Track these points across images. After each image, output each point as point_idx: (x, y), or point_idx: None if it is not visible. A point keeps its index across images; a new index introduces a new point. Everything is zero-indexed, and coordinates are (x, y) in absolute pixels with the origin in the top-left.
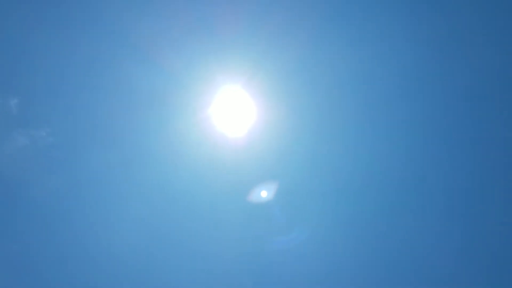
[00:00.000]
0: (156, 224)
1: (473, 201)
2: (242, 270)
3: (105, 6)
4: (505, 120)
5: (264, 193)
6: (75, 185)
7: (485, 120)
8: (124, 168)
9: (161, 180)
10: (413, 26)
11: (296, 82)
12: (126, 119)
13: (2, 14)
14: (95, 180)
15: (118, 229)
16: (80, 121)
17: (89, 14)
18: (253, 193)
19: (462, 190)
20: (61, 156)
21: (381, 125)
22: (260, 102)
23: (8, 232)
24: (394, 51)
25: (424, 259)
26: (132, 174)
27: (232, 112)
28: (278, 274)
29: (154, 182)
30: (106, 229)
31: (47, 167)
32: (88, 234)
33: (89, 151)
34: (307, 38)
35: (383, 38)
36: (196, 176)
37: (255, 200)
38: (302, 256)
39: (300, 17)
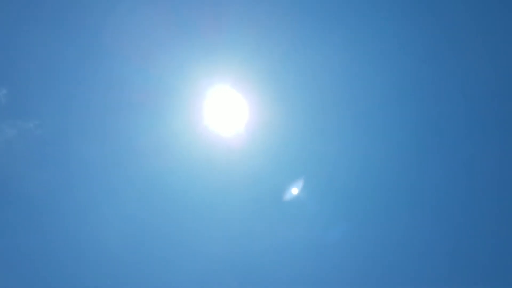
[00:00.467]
0: (146, 221)
1: (474, 202)
2: (234, 270)
3: (99, 3)
4: (505, 121)
5: (260, 193)
6: (63, 179)
7: (486, 121)
8: (114, 166)
9: (152, 175)
10: (405, 24)
11: (290, 82)
12: (117, 116)
13: None
14: (84, 175)
15: (107, 227)
16: (70, 115)
17: (83, 9)
18: (248, 193)
19: (463, 190)
20: (49, 150)
21: (376, 123)
22: (253, 101)
23: None
24: (390, 50)
25: (432, 260)
26: (122, 171)
27: (225, 112)
28: (275, 274)
29: (145, 178)
30: (94, 226)
31: (35, 160)
32: (75, 230)
33: (79, 146)
34: (300, 37)
35: (377, 37)
36: (188, 175)
37: (249, 200)
38: (297, 257)
39: (294, 16)
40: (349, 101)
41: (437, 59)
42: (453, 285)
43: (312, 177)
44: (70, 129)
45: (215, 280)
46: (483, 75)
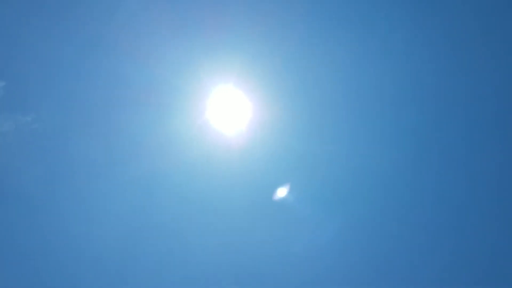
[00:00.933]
0: (147, 219)
1: (474, 202)
2: (237, 272)
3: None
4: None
5: (262, 194)
6: (61, 174)
7: (487, 122)
8: (113, 163)
9: (153, 173)
10: (410, 23)
11: (294, 81)
12: (117, 114)
13: None
14: (83, 171)
15: (106, 224)
16: (69, 110)
17: (85, 3)
18: (250, 193)
19: (464, 190)
20: (47, 144)
21: (381, 124)
22: (256, 101)
23: None
24: (394, 49)
25: (429, 261)
26: (122, 168)
27: (228, 112)
28: (280, 276)
29: (145, 175)
30: (93, 223)
31: (32, 154)
32: (73, 227)
33: (77, 141)
34: (304, 37)
35: (382, 36)
36: (189, 175)
37: (252, 201)
38: (299, 257)
39: (298, 15)
40: (357, 102)
41: (445, 60)
42: (452, 285)
43: (316, 178)
44: (68, 124)
45: (216, 279)
46: (488, 76)
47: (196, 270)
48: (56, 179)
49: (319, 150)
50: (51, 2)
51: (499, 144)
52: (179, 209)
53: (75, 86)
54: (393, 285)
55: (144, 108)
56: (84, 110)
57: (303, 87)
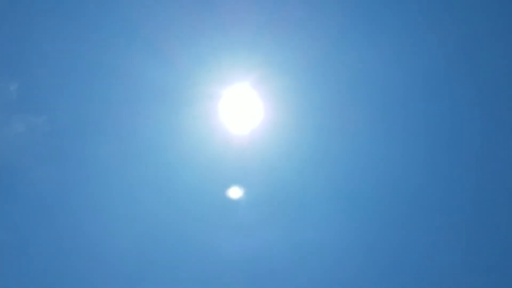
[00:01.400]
0: (156, 220)
1: (474, 203)
2: (241, 270)
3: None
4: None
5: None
6: (73, 175)
7: (489, 123)
8: (124, 163)
9: (165, 173)
10: (426, 26)
11: (307, 81)
12: (130, 112)
13: None
14: (95, 172)
15: (116, 224)
16: (81, 111)
17: (97, 3)
18: (258, 192)
19: (464, 191)
20: (59, 145)
21: (394, 126)
22: (269, 101)
23: (2, 221)
24: (409, 50)
25: (429, 262)
26: (133, 168)
27: (240, 111)
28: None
29: (157, 175)
30: (105, 223)
31: (45, 156)
32: (85, 227)
33: (89, 142)
34: (319, 37)
35: (398, 38)
36: (200, 174)
37: (259, 199)
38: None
39: (312, 15)
40: (370, 104)
41: (453, 59)
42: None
43: (327, 178)
44: (81, 125)
45: (227, 279)
46: (490, 76)
47: (207, 270)
48: (70, 180)
49: (331, 149)
50: (64, 4)
51: (503, 145)
52: (192, 209)
53: (88, 87)
54: (399, 286)
55: (157, 108)
56: (97, 111)
57: (315, 87)
